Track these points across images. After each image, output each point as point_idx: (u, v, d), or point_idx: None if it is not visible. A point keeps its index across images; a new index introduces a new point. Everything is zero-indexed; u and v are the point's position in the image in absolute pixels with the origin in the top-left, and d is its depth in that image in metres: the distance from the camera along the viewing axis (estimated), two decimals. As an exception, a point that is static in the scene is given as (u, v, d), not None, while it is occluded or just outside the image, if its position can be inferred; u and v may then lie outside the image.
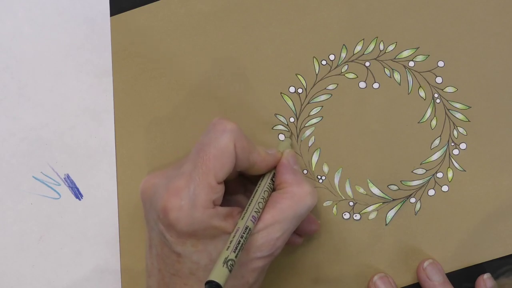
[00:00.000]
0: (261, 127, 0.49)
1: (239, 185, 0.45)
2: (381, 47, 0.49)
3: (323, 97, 0.49)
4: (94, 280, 0.49)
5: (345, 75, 0.49)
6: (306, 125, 0.49)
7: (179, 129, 0.49)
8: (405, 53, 0.49)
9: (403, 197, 0.48)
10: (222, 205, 0.40)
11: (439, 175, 0.48)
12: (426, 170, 0.48)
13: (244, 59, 0.49)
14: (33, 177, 0.49)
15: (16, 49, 0.50)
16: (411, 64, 0.49)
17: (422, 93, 0.49)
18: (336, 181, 0.48)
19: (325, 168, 0.48)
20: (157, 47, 0.50)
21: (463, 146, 0.48)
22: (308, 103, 0.49)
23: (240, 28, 0.49)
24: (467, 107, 0.48)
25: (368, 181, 0.48)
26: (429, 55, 0.49)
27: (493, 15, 0.48)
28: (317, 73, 0.49)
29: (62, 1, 0.50)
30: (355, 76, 0.49)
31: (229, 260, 0.36)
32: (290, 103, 0.49)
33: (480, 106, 0.48)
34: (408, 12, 0.49)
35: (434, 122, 0.48)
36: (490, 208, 0.48)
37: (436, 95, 0.48)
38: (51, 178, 0.49)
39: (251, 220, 0.39)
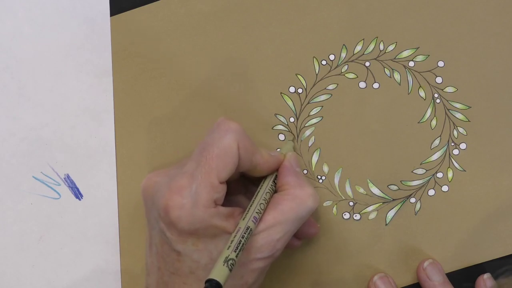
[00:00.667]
0: (261, 127, 0.49)
1: (241, 185, 0.45)
2: (381, 47, 0.49)
3: (323, 97, 0.49)
4: (94, 280, 0.49)
5: (345, 75, 0.49)
6: (306, 125, 0.49)
7: (179, 129, 0.49)
8: (405, 53, 0.49)
9: (403, 197, 0.48)
10: (223, 205, 0.40)
11: (439, 175, 0.48)
12: (426, 170, 0.48)
13: (244, 59, 0.49)
14: (33, 177, 0.49)
15: (16, 49, 0.50)
16: (411, 64, 0.49)
17: (422, 93, 0.49)
18: (336, 181, 0.48)
19: (325, 168, 0.48)
20: (157, 47, 0.50)
21: (463, 146, 0.48)
22: (308, 103, 0.49)
23: (240, 28, 0.49)
24: (467, 107, 0.48)
25: (368, 181, 0.48)
26: (429, 55, 0.49)
27: (493, 15, 0.48)
28: (317, 73, 0.49)
29: (62, 1, 0.50)
30: (355, 76, 0.49)
31: (230, 259, 0.36)
32: (290, 103, 0.49)
33: (480, 106, 0.48)
34: (408, 12, 0.49)
35: (434, 122, 0.48)
36: (490, 208, 0.48)
37: (436, 95, 0.48)
38: (51, 178, 0.49)
39: (252, 220, 0.39)
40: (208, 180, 0.38)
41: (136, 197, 0.48)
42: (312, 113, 0.49)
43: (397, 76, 0.49)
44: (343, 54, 0.49)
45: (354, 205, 0.48)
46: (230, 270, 0.36)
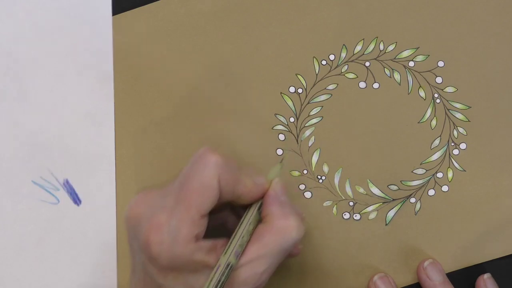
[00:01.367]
0: (261, 127, 0.49)
1: (230, 210, 0.44)
2: (381, 47, 0.49)
3: (323, 97, 0.49)
4: (91, 285, 0.49)
5: (345, 75, 0.49)
6: (306, 125, 0.49)
7: (179, 135, 0.49)
8: (405, 53, 0.49)
9: (403, 197, 0.48)
10: (213, 231, 0.39)
11: (439, 175, 0.48)
12: (426, 170, 0.48)
13: (244, 59, 0.49)
14: (32, 181, 0.49)
15: (17, 52, 0.50)
16: (411, 64, 0.49)
17: (422, 93, 0.49)
18: (336, 181, 0.48)
19: (325, 168, 0.48)
20: (157, 47, 0.50)
21: (463, 146, 0.48)
22: (308, 103, 0.49)
23: (240, 28, 0.49)
24: (467, 107, 0.48)
25: (368, 181, 0.48)
26: (429, 55, 0.49)
27: (493, 15, 0.48)
28: (317, 73, 0.49)
29: (64, 5, 0.50)
30: (355, 76, 0.49)
31: None
32: (290, 103, 0.49)
33: (480, 106, 0.48)
34: (408, 12, 0.49)
35: (434, 122, 0.48)
36: (490, 208, 0.48)
37: (436, 95, 0.48)
38: (50, 183, 0.49)
39: (234, 255, 0.38)
40: (188, 215, 0.38)
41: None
42: (312, 113, 0.49)
43: (397, 76, 0.49)
44: (343, 54, 0.49)
45: (354, 205, 0.48)
46: None
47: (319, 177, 0.48)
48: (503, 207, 0.48)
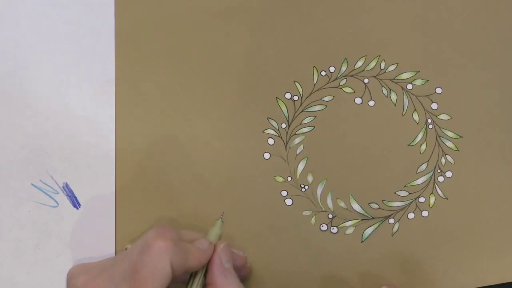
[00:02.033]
0: (252, 129, 0.49)
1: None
2: (382, 66, 0.49)
3: (317, 107, 0.49)
4: None
5: (343, 88, 0.49)
6: (296, 132, 0.49)
7: (180, 139, 0.49)
8: (405, 75, 0.49)
9: (382, 217, 0.49)
10: None
11: (421, 199, 0.49)
12: (409, 193, 0.49)
13: (244, 60, 0.49)
14: (31, 184, 0.49)
15: (19, 57, 0.50)
16: (409, 86, 0.49)
17: (416, 117, 0.49)
18: (319, 192, 0.49)
19: (310, 178, 0.49)
20: (159, 45, 0.49)
21: (449, 174, 0.49)
22: (302, 111, 0.49)
23: (244, 29, 0.49)
24: (459, 137, 0.49)
25: (350, 196, 0.49)
26: (428, 80, 0.49)
27: (495, 48, 0.48)
28: (315, 82, 0.49)
29: (66, 10, 0.50)
30: (352, 91, 0.49)
31: None
32: (284, 108, 0.49)
33: (472, 137, 0.48)
34: (413, 35, 0.49)
35: (423, 147, 0.49)
36: (467, 239, 0.48)
37: (429, 120, 0.49)
38: (49, 186, 0.49)
39: None
40: None
41: (134, 208, 0.49)
42: (304, 121, 0.49)
43: (393, 96, 0.49)
44: (344, 68, 0.49)
45: (333, 218, 0.49)
46: None
47: (302, 185, 0.49)
48: (479, 240, 0.48)
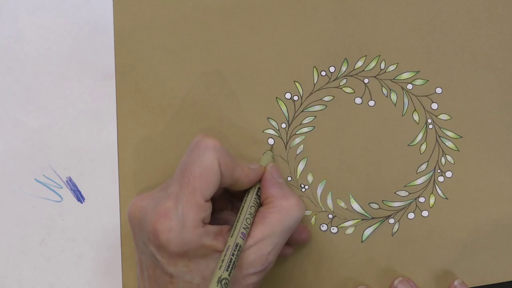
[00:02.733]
0: (252, 129, 0.49)
1: (226, 201, 0.45)
2: (382, 66, 0.49)
3: (317, 107, 0.49)
4: (95, 283, 0.49)
5: (343, 88, 0.49)
6: (296, 132, 0.49)
7: (182, 131, 0.49)
8: (405, 75, 0.49)
9: (382, 217, 0.49)
10: (210, 223, 0.40)
11: (421, 199, 0.49)
12: (409, 193, 0.49)
13: (245, 59, 0.49)
14: (35, 179, 0.50)
15: (19, 51, 0.50)
16: (409, 86, 0.49)
17: (416, 117, 0.49)
18: (319, 192, 0.49)
19: (310, 178, 0.49)
20: (160, 41, 0.49)
21: (449, 174, 0.49)
22: (302, 111, 0.49)
23: (245, 28, 0.49)
24: (459, 137, 0.49)
25: (350, 196, 0.49)
26: (428, 80, 0.49)
27: (496, 50, 0.48)
28: (315, 82, 0.49)
29: (66, 4, 0.50)
30: (352, 91, 0.49)
31: (223, 279, 0.36)
32: (284, 109, 0.49)
33: (472, 137, 0.48)
34: (413, 35, 0.49)
35: (423, 147, 0.49)
36: (467, 238, 0.48)
37: (429, 121, 0.49)
38: (53, 181, 0.50)
39: (240, 237, 0.39)
40: (193, 200, 0.38)
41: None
42: (304, 121, 0.49)
43: (393, 96, 0.49)
44: (344, 68, 0.49)
45: (333, 218, 0.49)
46: None
47: (302, 185, 0.49)
48: (479, 239, 0.48)
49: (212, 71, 0.49)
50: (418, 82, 0.49)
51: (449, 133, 0.49)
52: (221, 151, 0.40)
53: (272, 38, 0.49)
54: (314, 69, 0.49)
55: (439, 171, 0.49)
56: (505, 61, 0.48)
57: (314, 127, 0.49)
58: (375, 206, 0.49)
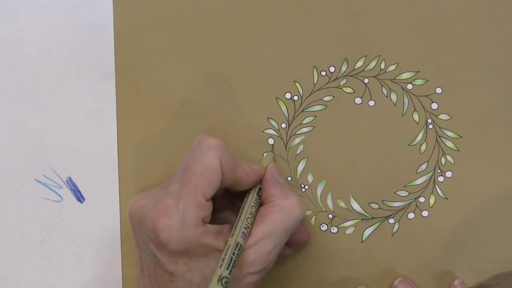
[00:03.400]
0: (252, 129, 0.49)
1: (226, 201, 0.45)
2: (382, 66, 0.49)
3: (317, 107, 0.49)
4: (95, 283, 0.49)
5: (343, 88, 0.49)
6: (296, 132, 0.49)
7: (182, 130, 0.49)
8: (405, 75, 0.49)
9: (382, 217, 0.49)
10: (210, 223, 0.40)
11: (421, 199, 0.49)
12: (409, 193, 0.49)
13: (244, 59, 0.49)
14: (35, 179, 0.50)
15: (19, 51, 0.50)
16: (409, 86, 0.49)
17: (416, 117, 0.49)
18: (319, 192, 0.49)
19: (310, 178, 0.49)
20: (160, 40, 0.50)
21: (449, 174, 0.49)
22: (302, 111, 0.49)
23: (245, 28, 0.49)
24: (459, 137, 0.49)
25: (350, 196, 0.49)
26: (428, 80, 0.49)
27: (496, 50, 0.48)
28: (315, 82, 0.49)
29: (66, 4, 0.50)
30: (352, 91, 0.49)
31: (223, 277, 0.36)
32: (284, 109, 0.49)
33: (472, 137, 0.48)
34: (414, 35, 0.49)
35: (423, 147, 0.49)
36: (467, 238, 0.48)
37: (429, 121, 0.49)
38: (53, 181, 0.50)
39: (241, 236, 0.39)
40: (194, 199, 0.38)
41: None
42: (304, 121, 0.49)
43: (393, 96, 0.49)
44: (344, 68, 0.49)
45: (333, 218, 0.49)
46: None
47: (302, 185, 0.49)
48: (479, 239, 0.48)
49: (212, 71, 0.49)
50: (418, 82, 0.49)
51: (449, 133, 0.49)
52: (223, 151, 0.40)
53: (272, 38, 0.49)
54: (314, 69, 0.49)
55: (439, 171, 0.49)
56: (505, 61, 0.48)
57: (314, 127, 0.49)
58: (375, 206, 0.49)
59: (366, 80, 0.49)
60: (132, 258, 0.49)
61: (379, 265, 0.49)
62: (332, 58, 0.49)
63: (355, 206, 0.49)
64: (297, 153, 0.49)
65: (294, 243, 0.46)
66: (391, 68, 0.49)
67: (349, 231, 0.49)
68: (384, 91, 0.49)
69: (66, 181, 0.49)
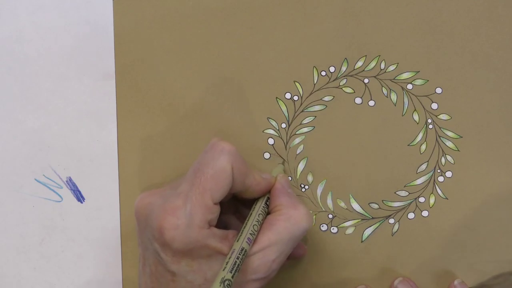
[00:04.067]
0: (252, 129, 0.49)
1: (232, 207, 0.45)
2: (382, 66, 0.49)
3: (317, 107, 0.49)
4: (95, 283, 0.49)
5: (343, 88, 0.49)
6: (296, 132, 0.49)
7: (182, 131, 0.49)
8: (405, 75, 0.49)
9: (382, 217, 0.49)
10: (215, 226, 0.40)
11: (421, 199, 0.49)
12: (409, 193, 0.49)
13: (244, 59, 0.49)
14: (35, 179, 0.50)
15: (19, 51, 0.50)
16: (409, 86, 0.49)
17: (416, 117, 0.49)
18: (319, 192, 0.49)
19: (310, 178, 0.49)
20: (160, 40, 0.50)
21: (449, 174, 0.49)
22: (302, 111, 0.49)
23: (245, 28, 0.49)
24: (459, 137, 0.49)
25: (350, 196, 0.49)
26: (428, 80, 0.49)
27: (496, 50, 0.48)
28: (315, 82, 0.49)
29: (66, 4, 0.50)
30: (352, 91, 0.49)
31: (226, 280, 0.36)
32: (284, 109, 0.49)
33: (472, 137, 0.48)
34: (414, 35, 0.49)
35: (423, 147, 0.49)
36: (467, 238, 0.48)
37: (429, 121, 0.49)
38: (53, 181, 0.50)
39: (246, 241, 0.39)
40: (202, 201, 0.38)
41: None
42: (304, 121, 0.49)
43: (393, 96, 0.49)
44: (344, 68, 0.49)
45: (333, 218, 0.49)
46: None
47: (302, 185, 0.49)
48: (479, 239, 0.48)
49: (212, 71, 0.49)
50: (418, 82, 0.49)
51: (449, 133, 0.49)
52: (236, 156, 0.40)
53: (272, 38, 0.49)
54: (314, 69, 0.49)
55: (439, 171, 0.49)
56: (505, 61, 0.48)
57: (314, 127, 0.49)
58: (375, 206, 0.49)
59: (366, 80, 0.49)
60: (132, 259, 0.49)
61: (379, 265, 0.49)
62: (332, 58, 0.49)
63: (355, 206, 0.49)
64: (297, 153, 0.49)
65: (291, 256, 0.46)
66: (391, 68, 0.49)
67: (349, 231, 0.49)
68: (384, 91, 0.49)
69: (66, 181, 0.49)
